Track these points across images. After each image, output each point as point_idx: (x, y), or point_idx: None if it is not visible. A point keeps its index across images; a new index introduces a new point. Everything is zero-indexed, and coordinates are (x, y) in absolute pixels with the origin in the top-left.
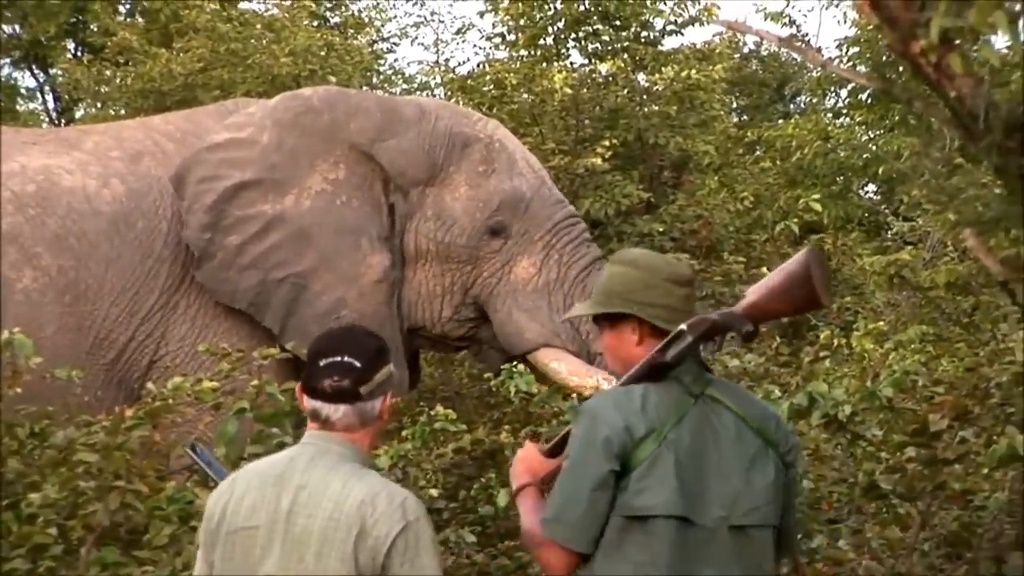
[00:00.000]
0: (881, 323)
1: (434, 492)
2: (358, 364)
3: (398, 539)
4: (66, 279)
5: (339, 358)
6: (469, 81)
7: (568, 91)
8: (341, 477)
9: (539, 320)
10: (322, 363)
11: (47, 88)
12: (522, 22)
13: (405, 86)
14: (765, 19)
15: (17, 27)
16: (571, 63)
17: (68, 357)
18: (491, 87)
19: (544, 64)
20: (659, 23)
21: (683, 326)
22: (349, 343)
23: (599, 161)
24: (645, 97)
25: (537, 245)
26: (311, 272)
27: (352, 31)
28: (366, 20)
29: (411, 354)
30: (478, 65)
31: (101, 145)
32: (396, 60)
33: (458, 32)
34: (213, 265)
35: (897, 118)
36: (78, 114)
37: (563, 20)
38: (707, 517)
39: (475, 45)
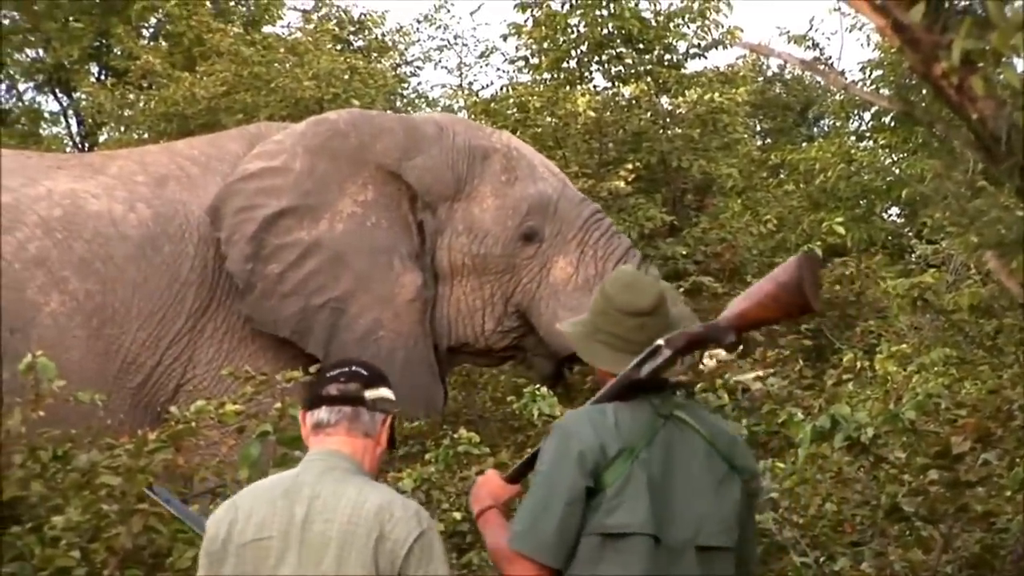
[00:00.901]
0: (904, 346)
1: (457, 515)
2: (365, 372)
3: (415, 545)
4: (93, 303)
5: (347, 368)
6: (492, 104)
7: (591, 114)
8: (355, 486)
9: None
10: (329, 374)
11: (71, 112)
12: (545, 45)
13: (428, 109)
14: (788, 42)
15: (40, 51)
16: (594, 86)
17: (95, 381)
18: (514, 110)
19: (567, 87)
20: (682, 46)
21: (660, 341)
22: (357, 361)
23: (622, 184)
24: (668, 120)
25: (571, 244)
26: (348, 295)
27: (376, 55)
28: (390, 44)
29: (447, 373)
30: (501, 88)
31: (125, 170)
32: (420, 84)
33: (481, 56)
34: (255, 295)
35: (920, 141)
36: (102, 138)
37: (586, 43)
38: (674, 537)
39: (498, 68)
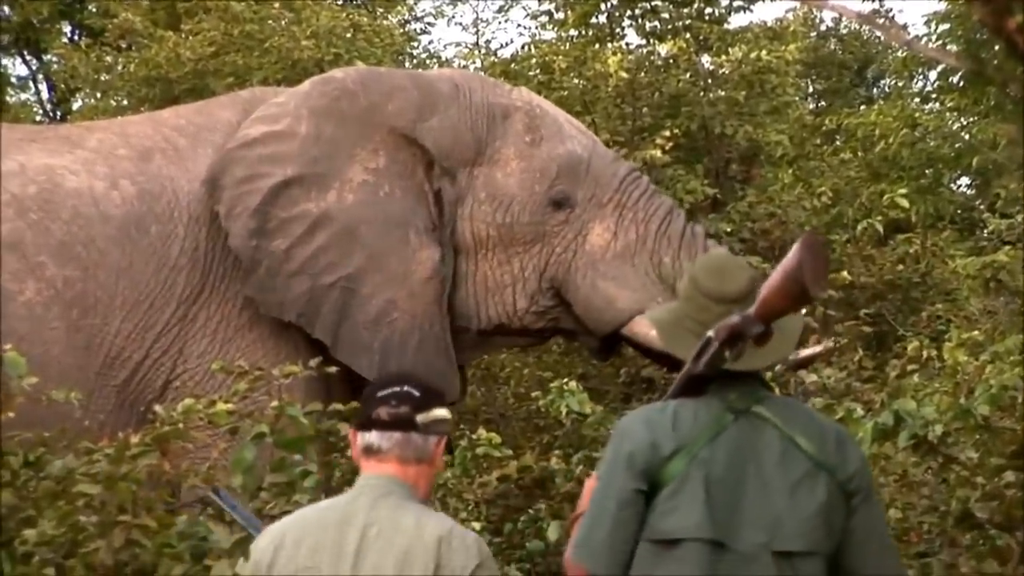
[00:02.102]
0: (976, 332)
1: (477, 525)
2: (417, 394)
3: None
4: (73, 291)
5: (398, 388)
6: (513, 65)
7: (624, 75)
8: (413, 514)
9: (629, 286)
10: (380, 394)
11: (40, 76)
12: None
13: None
14: None
15: (6, 8)
16: (627, 44)
17: (76, 378)
18: (537, 72)
19: (596, 45)
20: None
21: (710, 333)
22: (409, 378)
23: (659, 153)
24: (710, 82)
25: (608, 207)
26: (361, 274)
27: (381, 10)
28: None
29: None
30: (522, 47)
31: (106, 143)
32: (431, 42)
33: (500, 10)
34: (260, 274)
35: (992, 103)
36: (75, 105)
37: None
38: (744, 542)
39: (519, 25)
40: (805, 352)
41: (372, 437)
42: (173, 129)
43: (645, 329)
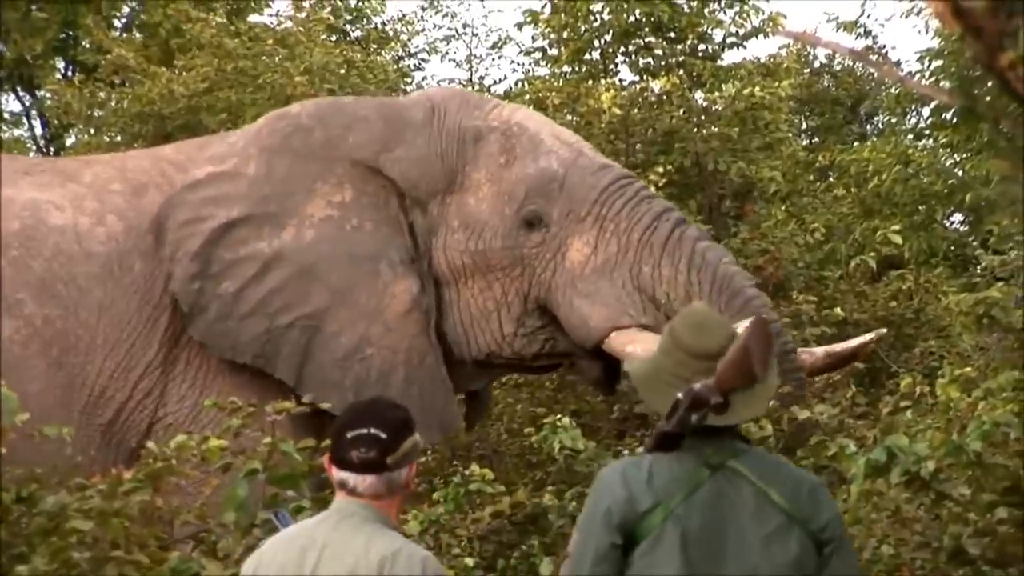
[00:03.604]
0: (969, 368)
1: (470, 561)
2: (384, 436)
3: None
4: (53, 329)
5: (365, 430)
6: (506, 101)
7: (617, 111)
8: (364, 535)
9: (602, 301)
10: (349, 435)
11: (34, 112)
12: (565, 35)
13: None
14: (837, 29)
15: (0, 44)
16: (620, 80)
17: (58, 417)
18: (531, 107)
19: (590, 81)
20: (718, 35)
21: (679, 395)
22: (375, 415)
23: (652, 189)
24: (703, 118)
25: (586, 222)
26: (323, 311)
27: (375, 46)
28: (391, 34)
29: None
30: (516, 83)
31: (101, 176)
32: (425, 78)
33: (494, 46)
34: (208, 318)
35: (985, 139)
36: (69, 141)
37: (611, 32)
38: None
39: (513, 61)
40: (852, 343)
41: (346, 476)
42: (171, 164)
43: (619, 346)
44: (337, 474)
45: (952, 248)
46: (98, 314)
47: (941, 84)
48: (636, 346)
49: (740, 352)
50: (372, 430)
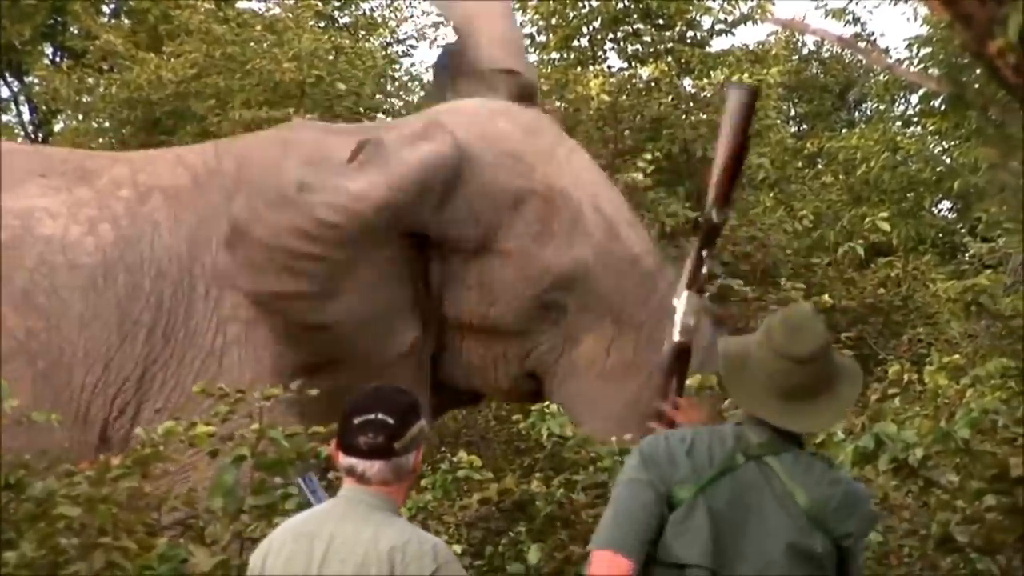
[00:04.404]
0: (957, 356)
1: (457, 548)
2: (392, 421)
3: None
4: (37, 342)
5: (373, 415)
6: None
7: (605, 98)
8: (373, 525)
9: (601, 415)
10: (356, 421)
11: (22, 98)
12: (553, 21)
13: (423, 94)
14: (826, 16)
15: None
16: (608, 67)
17: (48, 433)
18: None
19: (578, 68)
20: (707, 22)
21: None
22: (382, 401)
23: (640, 176)
24: (692, 104)
25: (605, 320)
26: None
27: (363, 32)
28: (379, 20)
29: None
30: None
31: (116, 179)
32: (413, 64)
33: None
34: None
35: (973, 127)
36: (57, 127)
37: (599, 19)
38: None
39: None
40: None
41: (352, 462)
42: (188, 167)
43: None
44: (344, 460)
45: (940, 235)
46: (79, 327)
47: (929, 71)
48: None
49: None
50: (380, 415)
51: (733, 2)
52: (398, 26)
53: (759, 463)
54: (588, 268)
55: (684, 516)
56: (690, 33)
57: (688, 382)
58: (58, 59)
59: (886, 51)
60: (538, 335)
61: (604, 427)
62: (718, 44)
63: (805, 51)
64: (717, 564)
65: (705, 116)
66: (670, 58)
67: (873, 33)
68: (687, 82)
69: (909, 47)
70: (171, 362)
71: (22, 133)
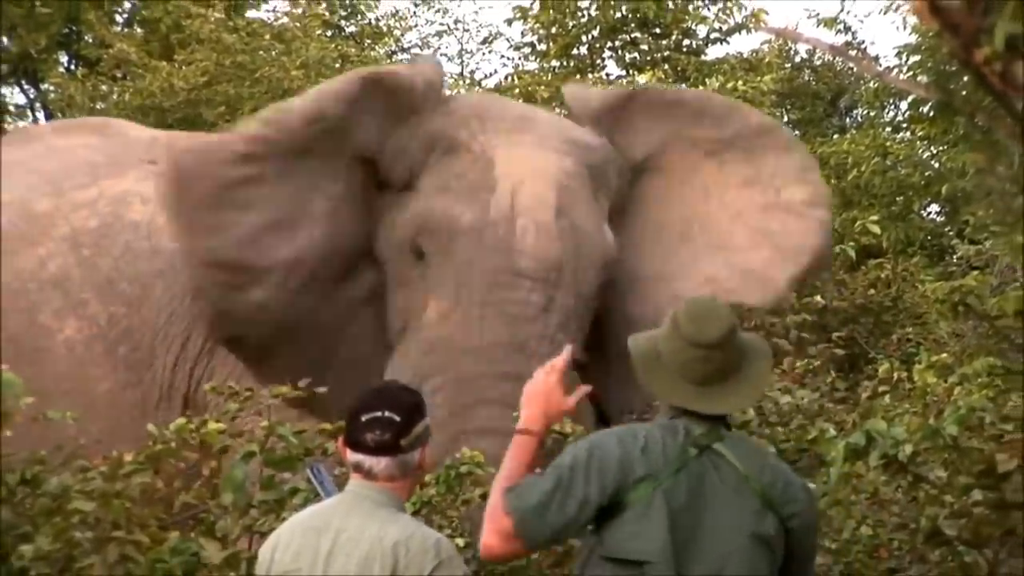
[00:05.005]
0: (945, 355)
1: (460, 542)
2: (398, 418)
3: None
4: (118, 328)
5: (380, 413)
6: (496, 94)
7: None
8: (378, 521)
9: (405, 376)
10: (364, 418)
11: (38, 105)
12: (553, 30)
13: None
14: (818, 25)
15: (5, 39)
16: (607, 75)
17: (132, 416)
18: (520, 101)
19: (578, 76)
20: (702, 31)
21: None
22: (388, 399)
23: None
24: None
25: (449, 289)
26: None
27: (369, 41)
28: (384, 29)
29: None
30: (506, 77)
31: None
32: None
33: (484, 42)
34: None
35: (961, 132)
36: None
37: (598, 28)
38: (697, 572)
39: (502, 56)
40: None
41: (360, 458)
42: None
43: None
44: (352, 456)
45: (929, 238)
46: (158, 311)
47: (919, 79)
48: None
49: None
50: (386, 413)
51: (728, 12)
52: (402, 35)
53: (709, 453)
54: (459, 228)
55: (642, 514)
56: (686, 42)
57: None
58: (73, 67)
59: (876, 59)
60: (410, 286)
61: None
62: (713, 52)
63: (798, 59)
64: (677, 559)
65: None
66: (667, 66)
67: (864, 41)
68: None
69: (899, 55)
70: None
71: None
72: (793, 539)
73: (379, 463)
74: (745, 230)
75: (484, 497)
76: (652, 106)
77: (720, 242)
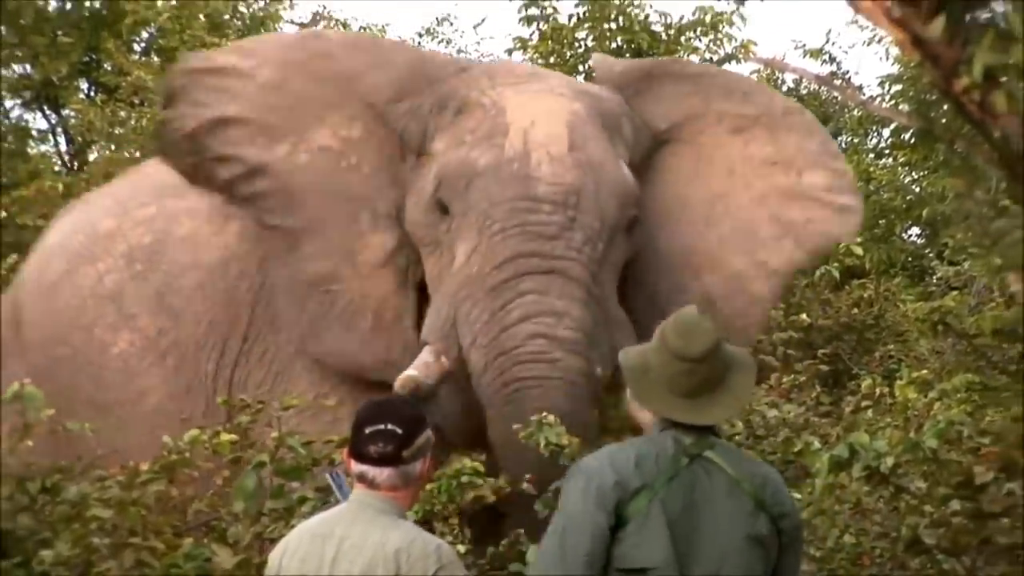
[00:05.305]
0: (925, 371)
1: (461, 548)
2: (400, 431)
3: None
4: (167, 340)
5: (383, 426)
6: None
7: None
8: (380, 528)
9: (434, 312)
10: (367, 431)
11: (59, 129)
12: (552, 60)
13: None
14: (804, 56)
15: (28, 67)
16: None
17: (177, 425)
18: None
19: None
20: (694, 60)
21: None
22: (391, 412)
23: None
24: None
25: (473, 229)
26: (302, 231)
27: None
28: None
29: None
30: None
31: None
32: None
33: None
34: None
35: (941, 158)
36: (92, 156)
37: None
38: (697, 573)
39: None
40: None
41: (364, 468)
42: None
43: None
44: (356, 467)
45: (910, 259)
46: (197, 322)
47: (900, 107)
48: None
49: None
50: (389, 426)
51: (718, 43)
52: None
53: (700, 460)
54: (475, 171)
55: (641, 524)
56: None
57: None
58: (93, 94)
59: (860, 88)
60: (441, 246)
61: (429, 325)
62: None
63: (785, 88)
64: (679, 564)
65: None
66: None
67: (848, 71)
68: None
69: (881, 84)
70: (265, 329)
71: (59, 162)
72: (784, 538)
73: (382, 473)
74: (769, 218)
75: (475, 500)
76: (678, 77)
77: (745, 230)
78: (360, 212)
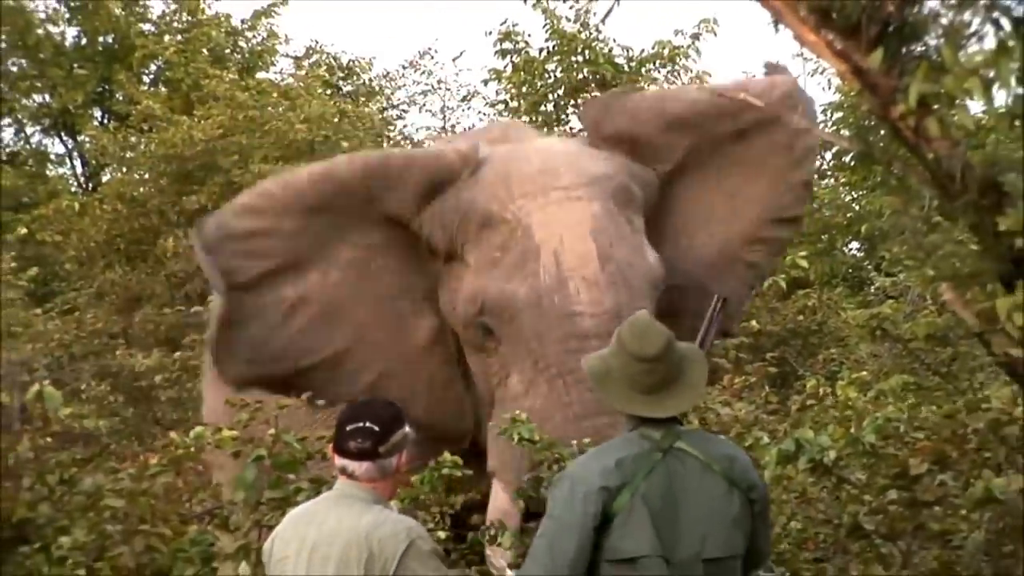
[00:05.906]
0: (864, 373)
1: (442, 535)
2: (377, 429)
3: (404, 557)
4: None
5: (362, 424)
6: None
7: None
8: (356, 513)
9: (502, 458)
10: (348, 428)
11: (75, 154)
12: (524, 89)
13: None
14: None
15: (47, 96)
16: (570, 127)
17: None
18: None
19: (545, 129)
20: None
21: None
22: (370, 412)
23: None
24: None
25: (527, 361)
26: (343, 353)
27: (363, 99)
28: (377, 88)
29: None
30: None
31: None
32: (405, 126)
33: (463, 99)
34: (238, 362)
35: (879, 179)
36: (105, 178)
37: (562, 88)
38: (683, 555)
39: (480, 111)
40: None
41: (345, 463)
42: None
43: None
44: (338, 461)
45: (851, 271)
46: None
47: (842, 132)
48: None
49: None
50: (367, 424)
51: (676, 74)
52: (392, 93)
53: (672, 452)
54: (518, 305)
55: (626, 519)
56: None
57: None
58: (106, 121)
59: None
60: (491, 355)
61: (497, 461)
62: None
63: None
64: (665, 550)
65: None
66: None
67: None
68: None
69: (824, 112)
70: None
71: (75, 184)
72: (756, 507)
73: (360, 467)
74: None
75: (465, 503)
76: (667, 117)
77: (748, 241)
78: (401, 304)
